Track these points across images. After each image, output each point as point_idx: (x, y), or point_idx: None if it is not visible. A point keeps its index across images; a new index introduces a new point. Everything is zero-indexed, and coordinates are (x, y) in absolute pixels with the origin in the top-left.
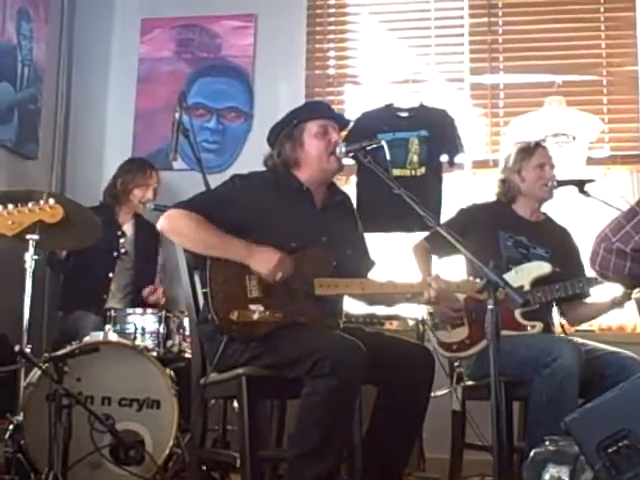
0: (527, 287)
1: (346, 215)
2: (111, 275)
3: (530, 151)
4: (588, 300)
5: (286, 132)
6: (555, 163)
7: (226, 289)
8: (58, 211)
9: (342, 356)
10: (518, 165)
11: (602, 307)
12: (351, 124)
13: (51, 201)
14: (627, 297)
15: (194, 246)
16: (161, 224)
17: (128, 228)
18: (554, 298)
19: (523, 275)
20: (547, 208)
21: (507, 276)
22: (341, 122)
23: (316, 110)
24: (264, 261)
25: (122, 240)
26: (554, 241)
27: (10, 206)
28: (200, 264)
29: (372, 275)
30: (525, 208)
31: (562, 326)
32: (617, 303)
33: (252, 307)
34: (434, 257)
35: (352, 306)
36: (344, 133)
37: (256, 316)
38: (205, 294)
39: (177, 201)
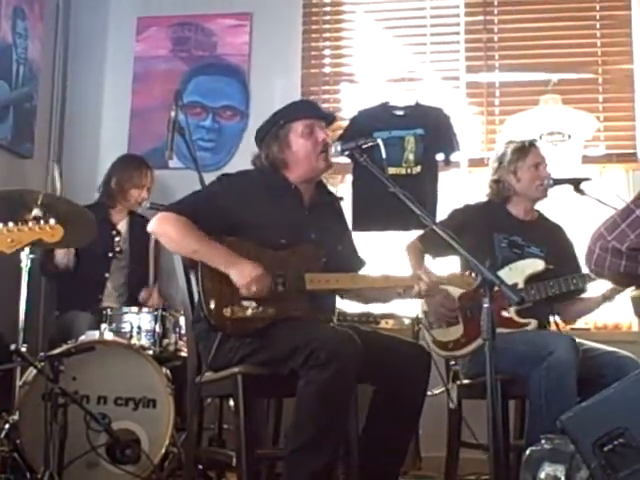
0: (521, 285)
1: (335, 216)
2: (107, 275)
3: (525, 151)
4: (581, 295)
5: (272, 133)
6: (549, 162)
7: (218, 286)
8: (58, 232)
9: (337, 346)
10: (514, 165)
11: (594, 302)
12: (346, 121)
13: (52, 221)
14: (617, 291)
15: (181, 250)
16: (151, 226)
17: (122, 226)
18: (548, 295)
19: (517, 273)
20: (542, 207)
21: (501, 273)
22: (327, 119)
23: (301, 110)
24: (242, 274)
25: (117, 239)
26: (548, 239)
27: (10, 224)
28: (192, 263)
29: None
30: (519, 208)
31: (557, 324)
32: (607, 297)
33: (245, 303)
34: (428, 257)
35: (347, 305)
36: (337, 131)
37: (249, 312)
38: (198, 292)
39: (172, 200)
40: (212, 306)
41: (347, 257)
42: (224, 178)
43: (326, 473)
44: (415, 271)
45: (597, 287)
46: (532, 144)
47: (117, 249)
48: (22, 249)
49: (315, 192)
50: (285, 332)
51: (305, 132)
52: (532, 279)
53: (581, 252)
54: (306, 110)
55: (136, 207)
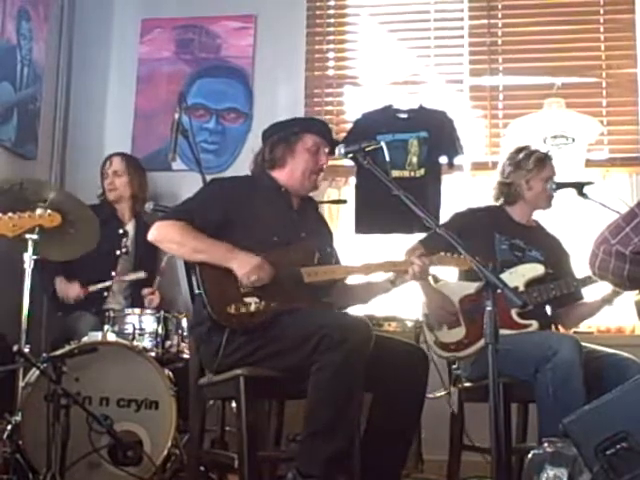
0: (521, 288)
1: (320, 221)
2: (113, 274)
3: (544, 163)
4: (579, 301)
5: (283, 135)
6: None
7: (219, 287)
8: (56, 218)
9: (349, 328)
10: (532, 173)
11: (594, 306)
12: (349, 124)
13: (49, 211)
14: (616, 294)
15: (182, 253)
16: (151, 235)
17: (130, 228)
18: (549, 298)
19: (517, 276)
20: (546, 210)
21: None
22: (333, 148)
23: (317, 127)
24: (242, 264)
25: (124, 239)
26: (547, 245)
27: (10, 213)
28: (192, 266)
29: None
30: (521, 213)
31: (557, 327)
32: (607, 300)
33: (247, 300)
34: None
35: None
36: (341, 134)
37: (253, 307)
38: (200, 295)
39: (176, 202)
40: (215, 306)
41: (335, 259)
42: (214, 181)
43: (341, 459)
44: (408, 257)
45: (597, 291)
46: (550, 157)
47: (124, 250)
48: (24, 236)
49: (300, 200)
50: (294, 321)
51: (312, 149)
52: (532, 283)
53: (584, 256)
54: (321, 130)
55: (111, 196)
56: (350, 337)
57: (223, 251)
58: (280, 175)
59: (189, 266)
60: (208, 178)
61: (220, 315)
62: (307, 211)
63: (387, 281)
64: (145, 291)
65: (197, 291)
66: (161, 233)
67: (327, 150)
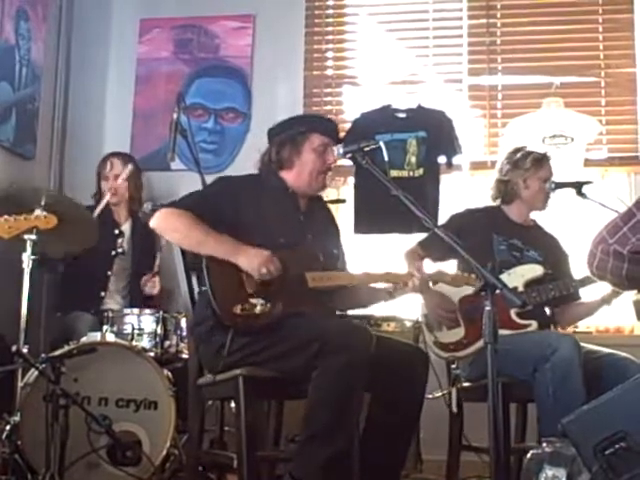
0: (520, 289)
1: (328, 221)
2: (109, 273)
3: (541, 163)
4: (577, 301)
5: (290, 135)
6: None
7: (225, 286)
8: (52, 220)
9: (351, 334)
10: (529, 173)
11: (592, 306)
12: (348, 124)
13: (44, 213)
14: (615, 294)
15: (186, 243)
16: (154, 222)
17: (126, 228)
18: (548, 298)
19: (516, 277)
20: (545, 210)
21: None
22: (338, 146)
23: (323, 125)
24: (251, 259)
25: (120, 240)
26: (545, 245)
27: (6, 215)
28: (197, 264)
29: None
30: (518, 213)
31: (556, 327)
32: (606, 301)
33: (253, 301)
34: (428, 261)
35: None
36: (340, 134)
37: (258, 309)
38: (205, 292)
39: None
40: (221, 304)
41: (341, 260)
42: (222, 180)
43: (340, 461)
44: (406, 259)
45: (595, 291)
46: (548, 158)
47: (120, 250)
48: (22, 237)
49: (308, 201)
50: (298, 325)
51: (319, 149)
52: (531, 284)
53: (582, 256)
54: (328, 128)
55: (113, 199)
56: (352, 343)
57: (230, 246)
58: (288, 176)
59: (189, 267)
60: (207, 178)
61: (226, 314)
62: (315, 212)
63: (385, 292)
64: (145, 277)
65: (203, 288)
66: (166, 220)
67: (334, 150)
